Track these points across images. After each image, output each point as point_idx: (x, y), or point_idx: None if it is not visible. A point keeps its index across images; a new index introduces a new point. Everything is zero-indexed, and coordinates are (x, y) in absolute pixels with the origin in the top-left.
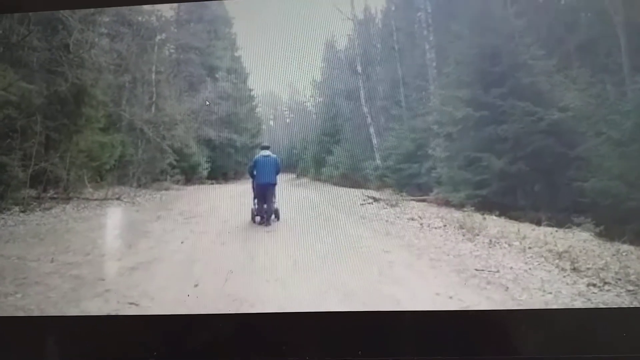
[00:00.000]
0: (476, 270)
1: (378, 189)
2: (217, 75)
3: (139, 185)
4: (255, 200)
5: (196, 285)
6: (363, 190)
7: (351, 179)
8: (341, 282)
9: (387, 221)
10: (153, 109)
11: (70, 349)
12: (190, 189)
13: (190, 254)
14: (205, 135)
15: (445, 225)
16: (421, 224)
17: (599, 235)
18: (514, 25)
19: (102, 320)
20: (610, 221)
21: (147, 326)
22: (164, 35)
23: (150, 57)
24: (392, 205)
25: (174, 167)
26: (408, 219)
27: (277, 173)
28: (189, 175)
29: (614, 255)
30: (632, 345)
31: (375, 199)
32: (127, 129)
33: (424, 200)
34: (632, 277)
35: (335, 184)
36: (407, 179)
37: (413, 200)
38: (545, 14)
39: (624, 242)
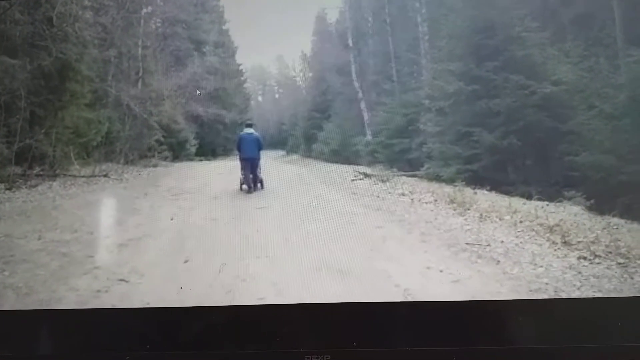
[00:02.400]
0: (467, 244)
1: (369, 164)
2: (204, 50)
3: (127, 162)
4: (242, 172)
5: (186, 261)
6: (354, 166)
7: (342, 155)
8: (334, 259)
9: (378, 197)
10: (139, 84)
11: (62, 341)
12: (179, 165)
13: (180, 230)
14: (193, 111)
15: (436, 200)
16: (412, 199)
17: (590, 208)
18: None
19: (95, 313)
20: (601, 195)
21: (141, 318)
22: (149, 9)
23: (136, 31)
24: (383, 181)
25: (161, 144)
26: (399, 194)
27: (260, 149)
28: (177, 151)
29: (604, 228)
30: (631, 334)
31: (367, 175)
32: (113, 105)
33: (414, 176)
34: (623, 250)
35: (326, 160)
36: (398, 154)
37: (404, 175)
38: None
39: (614, 216)
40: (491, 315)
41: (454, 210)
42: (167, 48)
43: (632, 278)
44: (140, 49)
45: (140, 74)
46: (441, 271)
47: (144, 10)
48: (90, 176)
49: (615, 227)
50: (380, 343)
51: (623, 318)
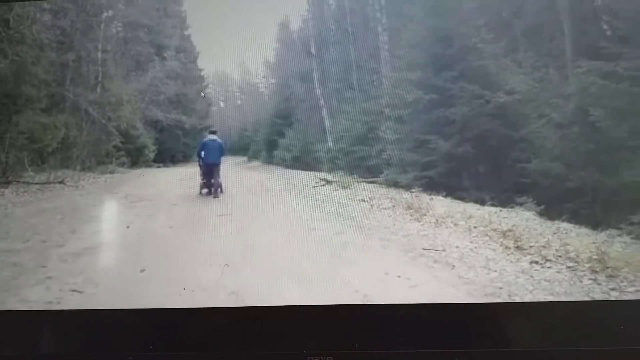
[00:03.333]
0: (423, 249)
1: (330, 171)
2: (165, 54)
3: (83, 169)
4: (203, 177)
5: (142, 271)
6: (315, 173)
7: (303, 161)
8: (295, 266)
9: (339, 203)
10: (99, 89)
11: (65, 341)
12: (137, 171)
13: (137, 238)
14: (152, 117)
15: (394, 206)
16: (371, 205)
17: (541, 214)
18: (466, 8)
19: (99, 313)
20: (551, 200)
21: (144, 319)
22: (110, 12)
23: (96, 35)
24: (343, 187)
25: (119, 150)
26: (359, 200)
27: (222, 155)
28: (135, 157)
29: (554, 233)
30: (634, 337)
31: (328, 181)
32: (71, 110)
33: (374, 182)
34: (572, 254)
35: (287, 166)
36: (359, 161)
37: (364, 181)
38: None
39: (563, 221)
40: (493, 317)
41: (411, 216)
42: (128, 52)
43: (580, 281)
44: (100, 53)
45: (100, 79)
46: (399, 276)
47: (105, 14)
48: (45, 183)
49: (564, 231)
50: (382, 345)
51: (625, 321)
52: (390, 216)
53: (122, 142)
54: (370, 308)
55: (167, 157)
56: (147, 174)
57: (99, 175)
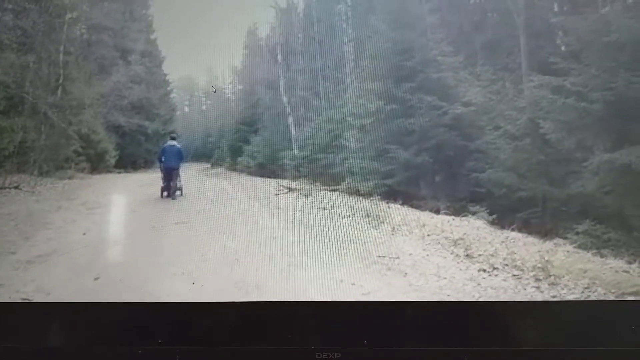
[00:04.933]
0: (378, 257)
1: (294, 178)
2: (130, 58)
3: (41, 174)
4: (163, 180)
5: (96, 279)
6: (279, 180)
7: (268, 168)
8: (252, 274)
9: (300, 211)
10: (59, 91)
11: (75, 334)
12: (97, 177)
13: (92, 246)
14: (114, 121)
15: (353, 214)
16: (332, 213)
17: (492, 223)
18: (428, 22)
19: (109, 307)
20: (503, 210)
21: (153, 313)
22: (74, 14)
23: (58, 37)
24: (306, 195)
25: (79, 155)
26: (320, 208)
27: (181, 160)
28: (95, 163)
29: (502, 242)
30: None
31: (291, 189)
32: (29, 113)
33: (336, 190)
34: (518, 263)
35: (251, 173)
36: (322, 168)
37: (326, 189)
38: (456, 12)
39: (512, 230)
40: (503, 316)
41: (369, 224)
42: (91, 55)
43: (525, 289)
44: (62, 55)
45: (61, 81)
46: (353, 284)
47: (69, 16)
48: (0, 188)
49: (512, 240)
50: (390, 342)
51: (637, 322)
52: (349, 224)
53: (82, 147)
54: (379, 305)
55: (128, 162)
56: (106, 180)
57: (57, 180)
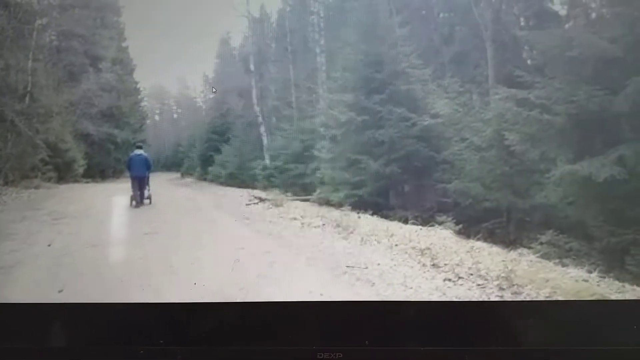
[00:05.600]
0: (347, 267)
1: (265, 188)
2: (100, 66)
3: (6, 183)
4: (132, 189)
5: (60, 291)
6: (250, 190)
7: (239, 178)
8: (219, 286)
9: (270, 221)
10: (27, 99)
11: (77, 334)
12: (63, 187)
13: (57, 257)
14: (83, 130)
15: (324, 224)
16: (302, 224)
17: (458, 232)
18: (398, 34)
19: (111, 307)
20: (468, 220)
21: (155, 313)
22: (44, 20)
23: (27, 43)
24: (276, 205)
25: (46, 164)
26: (291, 218)
27: (148, 168)
28: (63, 172)
29: (468, 251)
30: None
31: (261, 199)
32: None
33: (307, 200)
34: (482, 272)
35: (222, 183)
36: (294, 179)
37: (297, 200)
38: (425, 25)
39: (478, 240)
40: (504, 316)
41: (339, 234)
42: (61, 62)
43: (488, 298)
44: (30, 62)
45: (29, 88)
46: (321, 295)
47: (38, 22)
48: None
49: (477, 250)
50: (392, 342)
51: (638, 321)
52: (319, 234)
53: (49, 156)
54: (380, 305)
55: (96, 172)
56: (74, 190)
57: (23, 190)
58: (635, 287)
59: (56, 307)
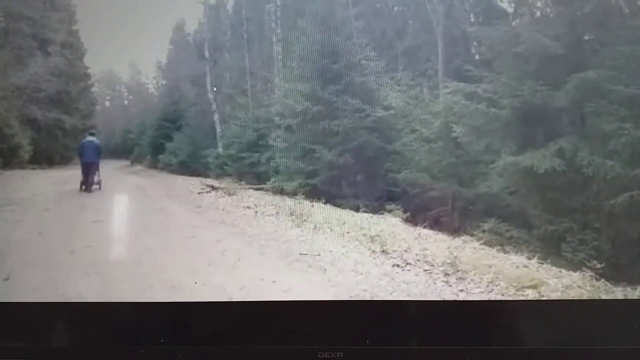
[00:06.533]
0: (300, 254)
1: (217, 177)
2: (49, 49)
3: None
4: (82, 174)
5: (7, 279)
6: (202, 179)
7: (190, 167)
8: (169, 275)
9: (223, 210)
10: None
11: (77, 333)
12: (8, 173)
13: (2, 244)
14: (30, 115)
15: (278, 213)
16: (256, 212)
17: (406, 220)
18: (353, 26)
19: (111, 306)
20: (416, 208)
21: (156, 312)
22: None
23: None
24: (230, 194)
25: None
26: (244, 207)
27: (99, 155)
28: (8, 158)
29: (415, 238)
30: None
31: (214, 188)
32: None
33: (261, 189)
34: (429, 258)
35: (173, 171)
36: (247, 167)
37: (251, 188)
38: (380, 18)
39: (425, 227)
40: (506, 315)
41: (293, 222)
42: (8, 45)
43: (435, 283)
44: None
45: None
46: (274, 282)
47: None
48: None
49: (424, 237)
50: (392, 341)
51: (635, 321)
52: (273, 223)
53: None
54: (381, 304)
55: (43, 158)
56: (19, 176)
57: None
58: (570, 272)
59: (56, 307)
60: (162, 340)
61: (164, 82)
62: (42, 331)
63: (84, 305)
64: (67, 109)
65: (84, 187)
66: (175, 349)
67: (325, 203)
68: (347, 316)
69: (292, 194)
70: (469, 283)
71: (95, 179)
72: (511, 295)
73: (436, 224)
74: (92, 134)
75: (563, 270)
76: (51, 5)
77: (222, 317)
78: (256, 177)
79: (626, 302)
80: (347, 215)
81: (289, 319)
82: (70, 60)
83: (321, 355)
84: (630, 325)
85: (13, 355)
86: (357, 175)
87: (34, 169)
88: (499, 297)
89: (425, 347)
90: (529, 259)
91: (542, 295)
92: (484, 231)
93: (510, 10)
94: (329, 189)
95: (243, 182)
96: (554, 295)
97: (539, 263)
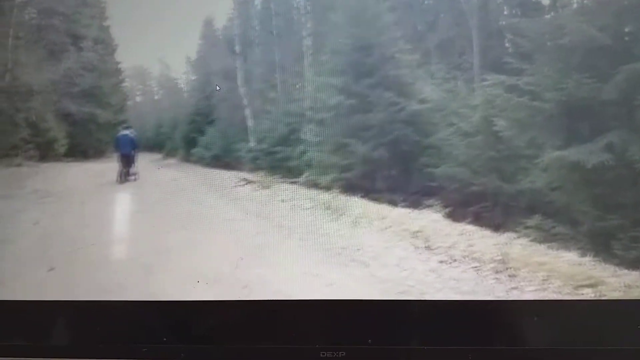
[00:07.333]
0: (341, 248)
1: (251, 171)
2: (82, 45)
3: None
4: (119, 166)
5: (51, 269)
6: (236, 172)
7: (223, 160)
8: (210, 267)
9: (259, 203)
10: (7, 77)
11: (79, 331)
12: (45, 166)
13: (44, 236)
14: (65, 109)
15: (313, 206)
16: (292, 205)
17: (447, 216)
18: (385, 20)
19: (113, 304)
20: (455, 204)
21: (158, 311)
22: None
23: (7, 20)
24: (264, 187)
25: (27, 142)
26: (279, 200)
27: (134, 147)
28: (44, 151)
29: (460, 234)
30: None
31: (249, 181)
32: None
33: (295, 183)
34: (476, 255)
35: (206, 165)
36: (280, 161)
37: (284, 182)
38: (412, 11)
39: (468, 223)
40: (509, 315)
41: (329, 216)
42: (42, 40)
43: (485, 280)
44: (11, 40)
45: (9, 67)
46: (316, 275)
47: None
48: None
49: (469, 233)
50: (395, 341)
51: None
52: (309, 216)
53: (30, 135)
54: (384, 304)
55: (78, 151)
56: (56, 169)
57: (4, 168)
58: (629, 271)
59: (57, 305)
60: (164, 339)
61: (194, 77)
62: (44, 329)
63: (86, 304)
64: (100, 104)
65: (121, 178)
66: (178, 347)
67: (361, 197)
68: (349, 315)
69: (327, 188)
70: (521, 281)
71: (132, 170)
72: (567, 294)
73: (476, 220)
74: (126, 128)
75: (617, 269)
76: (83, 1)
77: (224, 316)
78: (289, 171)
79: (627, 302)
80: (385, 209)
81: (291, 318)
82: (102, 55)
83: (323, 354)
84: (635, 325)
85: (13, 354)
86: (392, 170)
87: (69, 161)
88: (554, 296)
89: (428, 347)
90: (582, 256)
91: (602, 295)
92: (527, 227)
93: (546, 2)
94: (364, 183)
95: (277, 176)
96: (615, 295)
97: (594, 261)
